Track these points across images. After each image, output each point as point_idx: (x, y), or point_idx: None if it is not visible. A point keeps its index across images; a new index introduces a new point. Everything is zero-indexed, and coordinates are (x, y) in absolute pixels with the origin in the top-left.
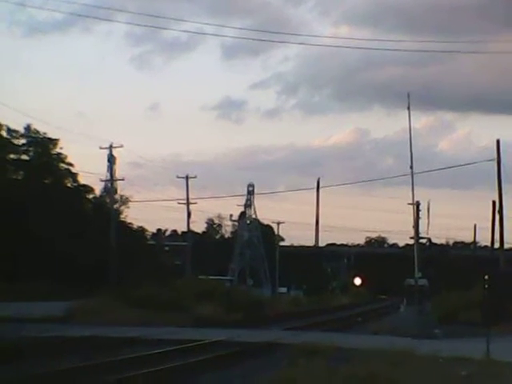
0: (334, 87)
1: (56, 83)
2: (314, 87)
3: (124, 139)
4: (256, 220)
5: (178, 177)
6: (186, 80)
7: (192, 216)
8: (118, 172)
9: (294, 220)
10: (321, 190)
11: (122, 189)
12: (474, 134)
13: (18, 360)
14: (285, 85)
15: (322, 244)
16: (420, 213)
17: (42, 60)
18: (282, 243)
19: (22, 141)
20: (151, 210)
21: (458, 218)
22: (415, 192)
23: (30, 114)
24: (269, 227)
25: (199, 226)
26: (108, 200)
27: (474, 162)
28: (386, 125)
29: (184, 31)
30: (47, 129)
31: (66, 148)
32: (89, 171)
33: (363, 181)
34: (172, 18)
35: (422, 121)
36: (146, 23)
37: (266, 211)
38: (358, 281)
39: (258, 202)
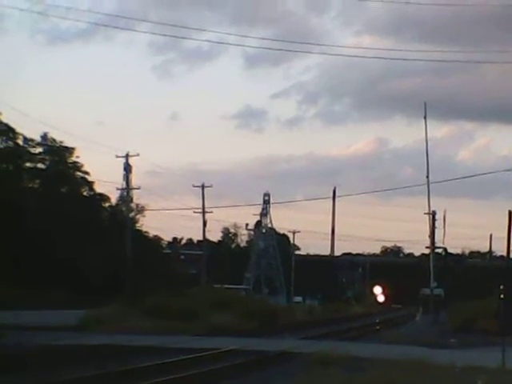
0: (354, 97)
1: (76, 92)
2: (334, 97)
3: (143, 148)
4: (272, 229)
5: (194, 186)
6: (207, 89)
7: (208, 225)
8: (135, 181)
9: (310, 229)
10: (338, 200)
11: (138, 197)
12: (494, 143)
13: (29, 368)
14: (305, 94)
15: (337, 253)
16: (436, 222)
17: (62, 68)
18: (297, 252)
19: (39, 149)
20: (167, 219)
21: (475, 228)
22: (433, 202)
23: (47, 123)
24: (285, 236)
25: (215, 235)
26: (124, 209)
27: (491, 172)
28: (406, 134)
29: (206, 41)
30: (64, 137)
31: (83, 157)
32: (105, 180)
33: (380, 190)
34: (194, 27)
35: (442, 130)
36: (167, 33)
37: (282, 220)
38: (378, 289)
39: (274, 211)
